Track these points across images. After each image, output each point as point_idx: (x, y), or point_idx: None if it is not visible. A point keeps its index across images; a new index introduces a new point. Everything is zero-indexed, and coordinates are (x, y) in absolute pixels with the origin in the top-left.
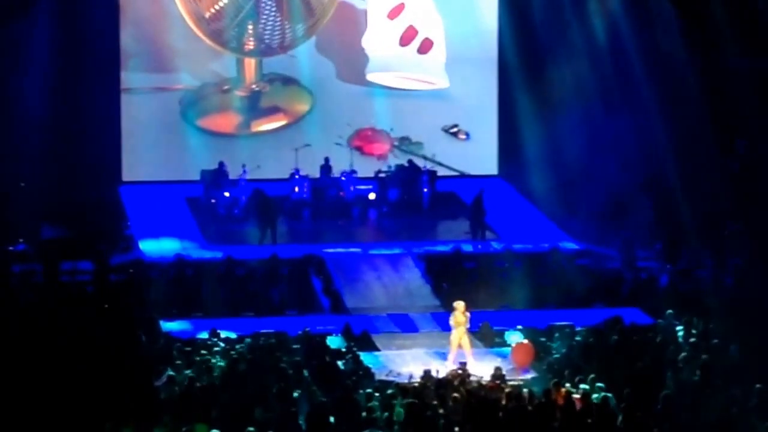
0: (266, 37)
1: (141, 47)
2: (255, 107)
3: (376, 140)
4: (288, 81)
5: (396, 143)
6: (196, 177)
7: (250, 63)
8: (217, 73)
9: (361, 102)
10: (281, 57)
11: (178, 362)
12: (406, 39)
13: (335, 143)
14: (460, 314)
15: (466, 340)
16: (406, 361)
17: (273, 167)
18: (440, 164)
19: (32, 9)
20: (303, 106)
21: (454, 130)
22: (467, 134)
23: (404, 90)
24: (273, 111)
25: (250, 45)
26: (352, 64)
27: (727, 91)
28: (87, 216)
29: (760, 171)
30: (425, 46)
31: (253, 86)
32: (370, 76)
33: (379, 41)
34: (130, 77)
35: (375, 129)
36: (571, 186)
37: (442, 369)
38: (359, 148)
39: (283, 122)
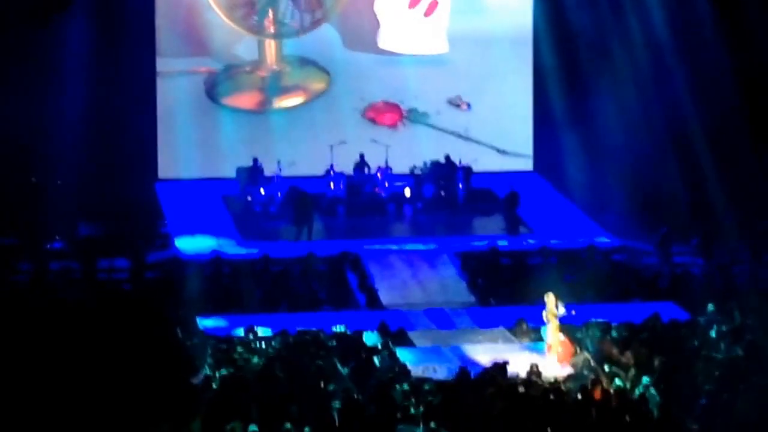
0: (289, 19)
1: (174, 33)
2: (276, 86)
3: (388, 111)
4: (306, 62)
5: (406, 114)
6: (232, 173)
7: (271, 45)
8: (238, 56)
9: (374, 75)
10: (300, 39)
11: (215, 359)
12: (414, 1)
13: (371, 140)
14: (551, 307)
15: (557, 335)
16: (443, 358)
17: (308, 164)
18: (474, 141)
19: (71, 6)
20: (320, 85)
21: (458, 101)
22: (468, 105)
23: (416, 57)
24: (293, 89)
25: (273, 28)
26: (366, 34)
27: (764, 85)
28: (124, 213)
29: None
30: (430, 8)
31: (274, 67)
32: (382, 44)
33: (389, 6)
34: (163, 62)
35: (387, 102)
36: (607, 181)
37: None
38: (372, 119)
39: (302, 99)
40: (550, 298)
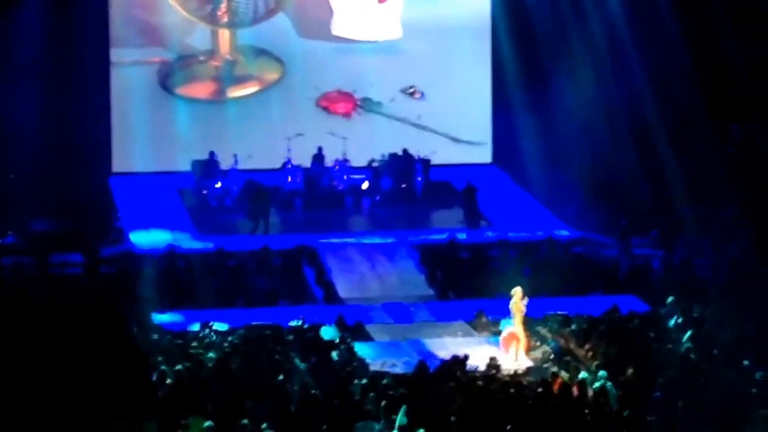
0: (242, 8)
1: (128, 23)
2: (230, 76)
3: (341, 100)
4: (260, 51)
5: (359, 103)
6: (187, 166)
7: (225, 35)
8: (192, 45)
9: (329, 64)
10: (253, 28)
11: (170, 355)
12: None
13: (328, 133)
14: (517, 300)
15: (521, 328)
16: (401, 352)
17: (264, 156)
18: (430, 130)
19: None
20: (274, 74)
21: (411, 90)
22: (422, 93)
23: (370, 46)
24: (247, 79)
25: (227, 18)
26: (321, 22)
27: (722, 76)
28: (77, 208)
29: (756, 156)
30: None
31: (228, 56)
32: (336, 30)
33: None
34: (116, 53)
35: (340, 91)
36: (566, 173)
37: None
38: (326, 108)
39: (256, 88)
40: (517, 292)
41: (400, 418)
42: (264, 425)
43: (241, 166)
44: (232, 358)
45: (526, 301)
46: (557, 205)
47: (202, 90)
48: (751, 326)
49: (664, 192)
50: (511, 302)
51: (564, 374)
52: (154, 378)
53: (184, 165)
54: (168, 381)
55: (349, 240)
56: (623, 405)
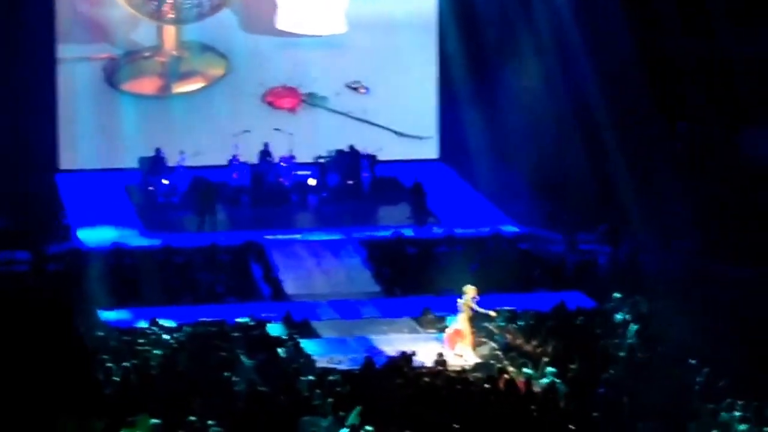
0: (187, 4)
1: (74, 19)
2: (175, 71)
3: (287, 95)
4: (205, 47)
5: (304, 98)
6: (135, 163)
7: (170, 31)
8: (138, 41)
9: (273, 59)
10: (199, 24)
11: (117, 352)
12: None
13: (274, 129)
14: (469, 298)
15: (466, 326)
16: (348, 348)
17: (211, 153)
18: (375, 125)
19: None
20: (218, 70)
21: (355, 85)
22: (367, 89)
23: (315, 41)
24: (192, 74)
25: (172, 14)
26: (266, 17)
27: (670, 72)
28: (24, 205)
29: (703, 153)
30: None
31: (173, 52)
32: (280, 24)
33: None
34: (62, 49)
35: (286, 86)
36: (513, 169)
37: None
38: (271, 103)
39: (201, 84)
40: (470, 290)
41: (352, 418)
42: (211, 422)
43: (187, 162)
44: (178, 355)
45: (475, 299)
46: (504, 200)
47: (147, 86)
48: (697, 322)
49: (611, 188)
50: (462, 299)
51: (511, 370)
52: (101, 376)
53: (131, 162)
54: (115, 378)
55: (295, 237)
56: (570, 401)
